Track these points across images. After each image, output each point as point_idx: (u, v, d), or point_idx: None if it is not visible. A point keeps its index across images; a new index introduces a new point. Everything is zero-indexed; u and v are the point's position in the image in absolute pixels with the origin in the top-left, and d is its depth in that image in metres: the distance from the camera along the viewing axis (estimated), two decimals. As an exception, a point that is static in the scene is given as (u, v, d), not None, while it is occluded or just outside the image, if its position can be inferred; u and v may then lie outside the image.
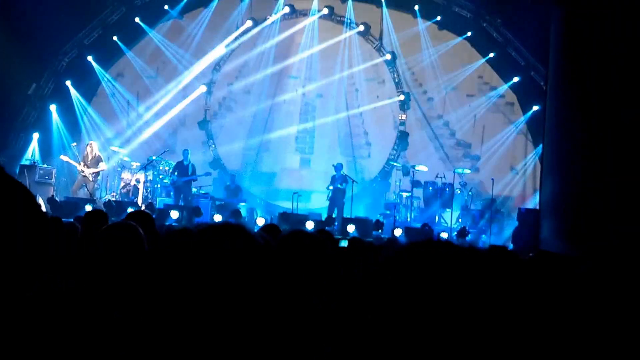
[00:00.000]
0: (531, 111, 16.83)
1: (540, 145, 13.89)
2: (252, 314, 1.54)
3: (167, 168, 16.75)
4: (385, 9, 17.73)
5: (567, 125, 11.97)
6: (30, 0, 14.92)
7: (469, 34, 17.31)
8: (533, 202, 15.42)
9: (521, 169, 17.19)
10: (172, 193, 16.30)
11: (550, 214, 12.09)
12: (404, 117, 18.27)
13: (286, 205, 15.88)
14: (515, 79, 17.10)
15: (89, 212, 6.01)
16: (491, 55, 17.26)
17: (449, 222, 15.66)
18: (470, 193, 16.38)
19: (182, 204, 15.32)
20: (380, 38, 18.17)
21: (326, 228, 12.59)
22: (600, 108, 11.14)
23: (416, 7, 17.51)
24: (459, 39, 17.46)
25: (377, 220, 14.79)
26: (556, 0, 12.36)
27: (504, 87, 17.39)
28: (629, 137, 10.69)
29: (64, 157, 15.92)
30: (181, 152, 16.48)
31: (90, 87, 17.90)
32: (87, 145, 15.90)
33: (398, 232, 13.95)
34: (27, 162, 16.14)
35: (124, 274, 2.94)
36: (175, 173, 15.72)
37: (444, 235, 14.39)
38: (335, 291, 2.96)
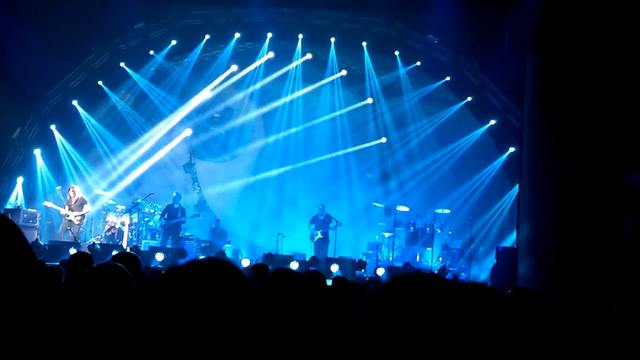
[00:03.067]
0: (507, 152, 17.25)
1: (517, 186, 14.23)
2: (242, 349, 1.53)
3: (152, 211, 16.85)
4: (366, 54, 18.21)
5: (542, 166, 12.31)
6: (15, 45, 15.03)
7: (448, 78, 17.79)
8: (510, 241, 15.73)
9: (499, 208, 17.56)
10: (157, 235, 16.38)
11: (527, 254, 12.33)
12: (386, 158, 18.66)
13: (270, 246, 16.01)
14: (492, 122, 17.55)
15: (73, 255, 5.89)
16: (469, 98, 17.74)
17: (429, 261, 15.92)
18: (449, 232, 16.70)
19: (170, 246, 15.38)
20: (363, 82, 18.62)
21: (311, 268, 12.74)
22: (574, 149, 11.51)
23: (397, 53, 18.01)
24: (438, 83, 17.95)
25: (360, 260, 14.97)
26: (531, 46, 12.76)
27: (481, 129, 17.82)
28: (602, 178, 11.05)
29: (47, 203, 15.88)
30: (165, 195, 16.62)
31: (75, 131, 17.95)
32: (69, 189, 15.90)
33: (380, 271, 14.09)
34: (11, 207, 16.10)
35: (113, 315, 2.90)
36: (165, 216, 15.82)
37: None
38: (323, 329, 2.97)
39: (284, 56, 18.63)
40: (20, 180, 16.83)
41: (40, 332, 2.74)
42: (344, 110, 18.70)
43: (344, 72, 18.56)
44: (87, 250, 13.85)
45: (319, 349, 2.74)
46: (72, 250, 12.99)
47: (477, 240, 16.61)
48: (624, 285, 9.45)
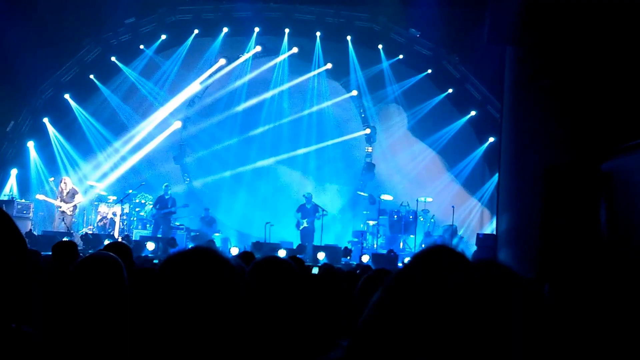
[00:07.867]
0: (487, 142, 17.75)
1: (497, 175, 14.62)
2: (229, 338, 1.56)
3: (143, 201, 17.20)
4: (351, 48, 18.64)
5: (521, 156, 12.65)
6: (8, 40, 15.20)
7: (430, 71, 18.26)
8: (491, 228, 16.17)
9: (479, 196, 18.06)
10: (148, 225, 16.75)
11: (506, 241, 12.66)
12: (370, 149, 19.12)
13: (259, 234, 16.40)
14: (473, 113, 18.03)
15: (57, 243, 5.90)
16: (450, 90, 18.20)
17: (412, 248, 16.36)
18: (432, 220, 17.18)
19: (161, 235, 15.78)
20: (347, 75, 19.06)
21: (298, 256, 13.18)
22: (551, 139, 11.87)
23: (380, 46, 18.46)
24: (420, 76, 18.40)
25: (346, 248, 15.30)
26: (510, 38, 13.06)
27: (462, 120, 18.30)
28: (579, 167, 11.41)
29: (40, 196, 16.14)
30: (156, 186, 16.99)
31: (67, 124, 18.18)
32: (61, 180, 16.18)
33: (365, 258, 14.40)
34: (5, 198, 16.39)
35: (105, 304, 2.91)
36: (157, 206, 16.21)
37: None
38: (311, 313, 3.05)
39: (271, 50, 19.06)
40: (14, 172, 17.06)
41: (33, 321, 2.70)
42: (329, 102, 19.12)
43: (329, 65, 18.99)
44: (79, 240, 14.25)
45: (307, 332, 2.79)
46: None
47: (459, 228, 17.10)
48: (600, 273, 9.79)
